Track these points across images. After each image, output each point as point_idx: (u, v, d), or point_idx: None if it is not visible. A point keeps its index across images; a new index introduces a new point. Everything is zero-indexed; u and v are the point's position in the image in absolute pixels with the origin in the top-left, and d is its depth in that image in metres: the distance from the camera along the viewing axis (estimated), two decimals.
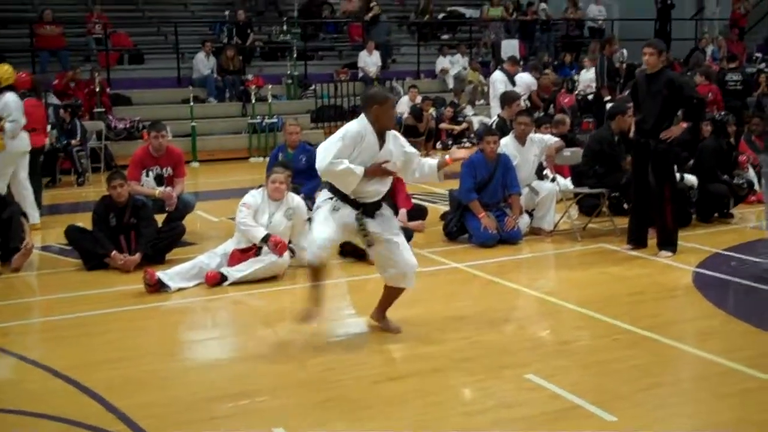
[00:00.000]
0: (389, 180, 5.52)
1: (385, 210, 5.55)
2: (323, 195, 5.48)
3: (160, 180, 8.62)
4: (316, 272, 5.39)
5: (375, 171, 5.35)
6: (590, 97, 15.30)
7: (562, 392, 4.61)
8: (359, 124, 5.35)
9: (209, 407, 4.54)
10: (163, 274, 6.81)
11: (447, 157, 5.72)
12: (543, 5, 22.03)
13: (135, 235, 7.60)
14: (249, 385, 4.84)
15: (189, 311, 6.54)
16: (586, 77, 16.34)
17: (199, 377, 5.04)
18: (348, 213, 5.34)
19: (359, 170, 5.25)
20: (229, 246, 7.14)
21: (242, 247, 7.06)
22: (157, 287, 6.72)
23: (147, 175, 8.58)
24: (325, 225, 5.30)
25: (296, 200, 7.43)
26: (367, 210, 5.39)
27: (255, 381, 4.90)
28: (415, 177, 5.75)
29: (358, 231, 5.39)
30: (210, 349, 5.73)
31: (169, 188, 8.48)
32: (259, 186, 7.50)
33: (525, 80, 15.01)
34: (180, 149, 9.23)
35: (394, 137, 5.53)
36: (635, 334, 5.56)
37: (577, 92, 16.75)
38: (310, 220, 7.58)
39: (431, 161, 5.70)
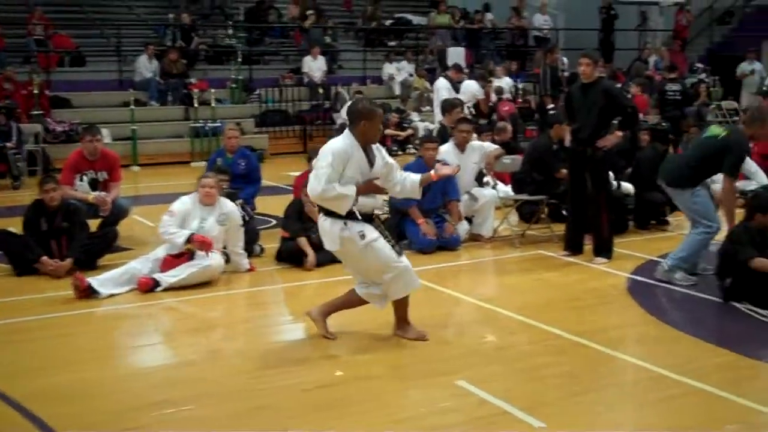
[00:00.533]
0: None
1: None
2: (331, 224, 5.37)
3: (94, 184, 8.46)
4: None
5: (368, 188, 5.39)
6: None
7: (492, 399, 4.60)
8: (344, 142, 5.34)
9: (134, 416, 4.45)
10: (93, 279, 6.67)
11: (432, 173, 5.70)
12: (489, 14, 22.23)
13: (66, 240, 7.44)
14: (176, 393, 4.75)
15: (120, 318, 6.40)
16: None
17: (125, 385, 4.93)
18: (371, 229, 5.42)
19: (351, 191, 5.27)
20: (162, 251, 7.03)
21: (175, 253, 6.95)
22: (87, 293, 6.58)
23: (81, 180, 8.42)
24: (380, 252, 5.38)
25: (229, 206, 7.33)
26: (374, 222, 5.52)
27: (183, 389, 4.81)
28: (396, 191, 5.75)
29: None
30: (139, 356, 5.61)
31: (103, 193, 8.32)
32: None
33: (470, 88, 15.11)
34: (115, 153, 9.06)
35: (377, 149, 5.53)
36: (568, 340, 5.59)
37: (520, 100, 16.90)
38: (245, 224, 7.56)
39: (413, 177, 5.69)
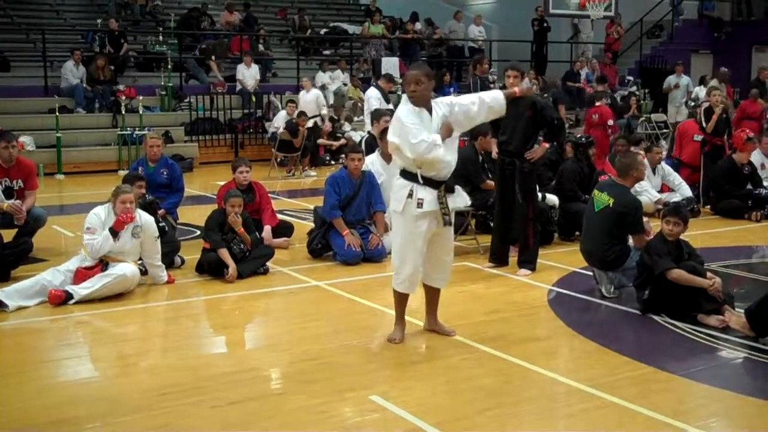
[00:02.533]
0: (455, 149, 5.63)
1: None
2: (398, 186, 5.55)
3: (9, 193, 8.19)
4: (405, 298, 5.77)
5: (446, 131, 5.44)
6: None
7: (404, 414, 4.53)
8: (406, 107, 5.46)
9: None
10: (0, 291, 6.43)
11: (516, 89, 6.16)
12: (418, 24, 22.34)
13: None
14: (80, 411, 4.58)
15: (27, 332, 6.16)
16: None
17: (26, 403, 4.72)
18: (431, 199, 5.43)
19: (438, 138, 5.35)
20: (74, 263, 6.81)
21: (87, 265, 6.74)
22: None
23: None
24: (408, 250, 5.54)
25: (144, 217, 7.13)
26: (448, 186, 5.52)
27: (84, 408, 4.64)
28: (481, 117, 5.76)
29: (439, 213, 5.47)
30: (42, 373, 5.37)
31: (17, 201, 8.05)
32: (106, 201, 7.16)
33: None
34: (31, 161, 8.77)
35: (436, 103, 5.57)
36: (484, 353, 5.55)
37: None
38: (161, 235, 7.37)
39: (492, 94, 5.72)
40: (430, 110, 5.50)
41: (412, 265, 5.59)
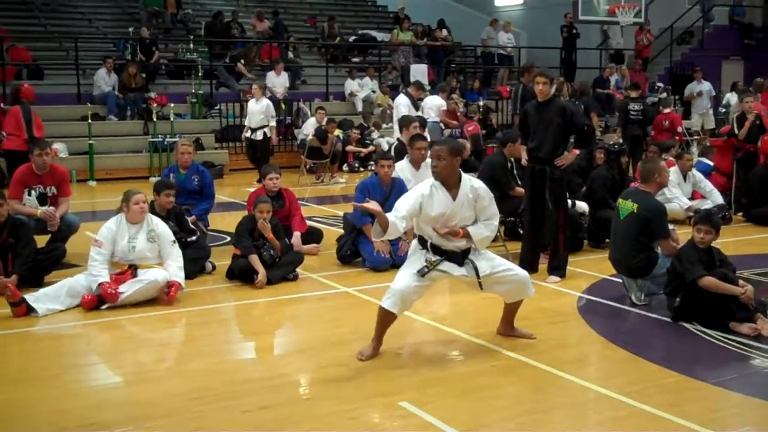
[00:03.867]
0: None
1: (478, 253, 5.59)
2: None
3: (43, 199, 8.30)
4: (388, 317, 5.52)
5: (451, 233, 5.51)
6: None
7: (433, 420, 4.53)
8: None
9: None
10: (29, 296, 6.52)
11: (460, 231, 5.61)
12: (444, 31, 22.36)
13: (12, 256, 7.27)
14: (109, 415, 4.62)
15: (58, 337, 6.25)
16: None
17: (57, 407, 4.77)
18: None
19: (399, 224, 5.55)
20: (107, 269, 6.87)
21: (118, 271, 6.82)
22: (25, 309, 6.45)
23: (29, 194, 8.25)
24: (407, 272, 5.52)
25: (156, 221, 7.17)
26: (451, 257, 5.53)
27: (116, 411, 4.68)
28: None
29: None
30: (74, 377, 5.44)
31: (51, 208, 8.16)
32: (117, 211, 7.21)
33: (435, 102, 15.13)
34: (65, 168, 8.89)
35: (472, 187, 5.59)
36: (514, 360, 5.54)
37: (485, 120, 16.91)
38: (196, 241, 7.42)
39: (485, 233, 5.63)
40: (452, 187, 5.45)
41: (405, 285, 5.47)
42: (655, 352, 5.84)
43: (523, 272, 5.76)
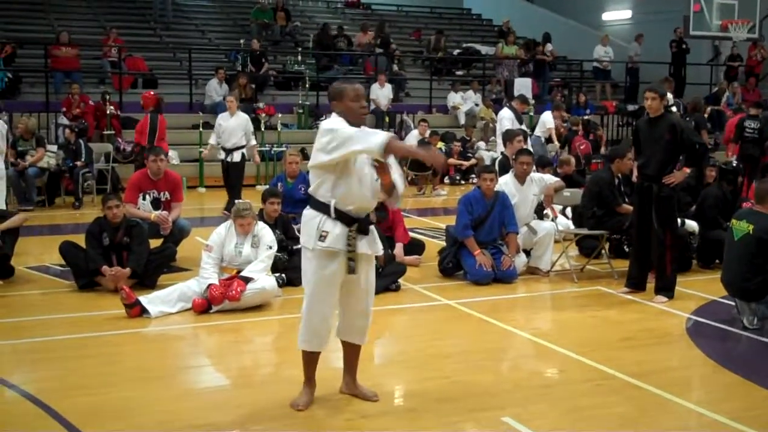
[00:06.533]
0: (373, 188, 4.71)
1: (374, 228, 4.89)
2: (307, 217, 4.70)
3: (157, 204, 8.62)
4: (314, 357, 4.88)
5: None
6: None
7: None
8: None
9: None
10: (143, 297, 6.77)
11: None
12: (549, 45, 22.12)
13: (127, 255, 7.57)
14: (220, 417, 4.74)
15: (169, 338, 6.47)
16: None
17: (168, 407, 4.93)
18: (338, 234, 4.59)
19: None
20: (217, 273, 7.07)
21: (226, 276, 7.01)
22: (139, 311, 6.69)
23: (144, 199, 8.59)
24: (315, 298, 4.69)
25: (260, 227, 7.33)
26: (361, 226, 4.70)
27: (227, 413, 4.80)
28: None
29: (345, 255, 4.61)
30: (185, 378, 5.64)
31: (164, 212, 8.46)
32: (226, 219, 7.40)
33: (545, 119, 14.96)
34: (178, 174, 9.21)
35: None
36: (620, 380, 5.44)
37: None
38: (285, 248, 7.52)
39: None
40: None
41: (319, 316, 4.71)
42: (767, 377, 5.65)
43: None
